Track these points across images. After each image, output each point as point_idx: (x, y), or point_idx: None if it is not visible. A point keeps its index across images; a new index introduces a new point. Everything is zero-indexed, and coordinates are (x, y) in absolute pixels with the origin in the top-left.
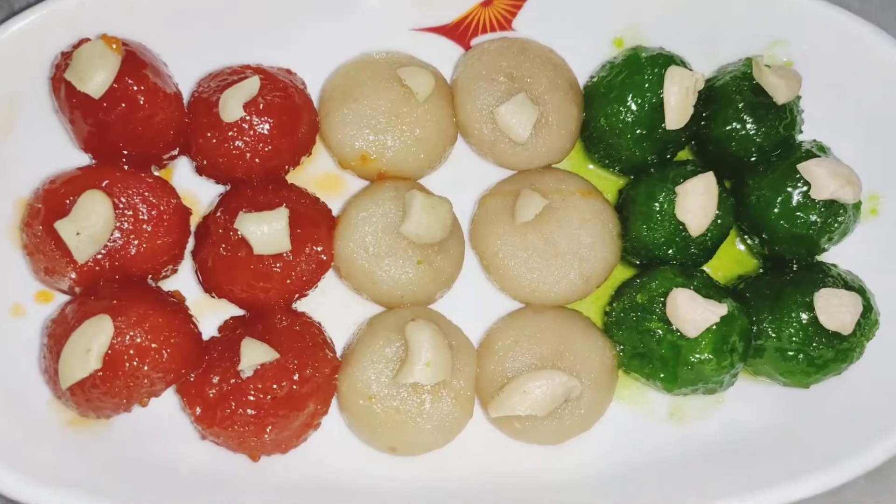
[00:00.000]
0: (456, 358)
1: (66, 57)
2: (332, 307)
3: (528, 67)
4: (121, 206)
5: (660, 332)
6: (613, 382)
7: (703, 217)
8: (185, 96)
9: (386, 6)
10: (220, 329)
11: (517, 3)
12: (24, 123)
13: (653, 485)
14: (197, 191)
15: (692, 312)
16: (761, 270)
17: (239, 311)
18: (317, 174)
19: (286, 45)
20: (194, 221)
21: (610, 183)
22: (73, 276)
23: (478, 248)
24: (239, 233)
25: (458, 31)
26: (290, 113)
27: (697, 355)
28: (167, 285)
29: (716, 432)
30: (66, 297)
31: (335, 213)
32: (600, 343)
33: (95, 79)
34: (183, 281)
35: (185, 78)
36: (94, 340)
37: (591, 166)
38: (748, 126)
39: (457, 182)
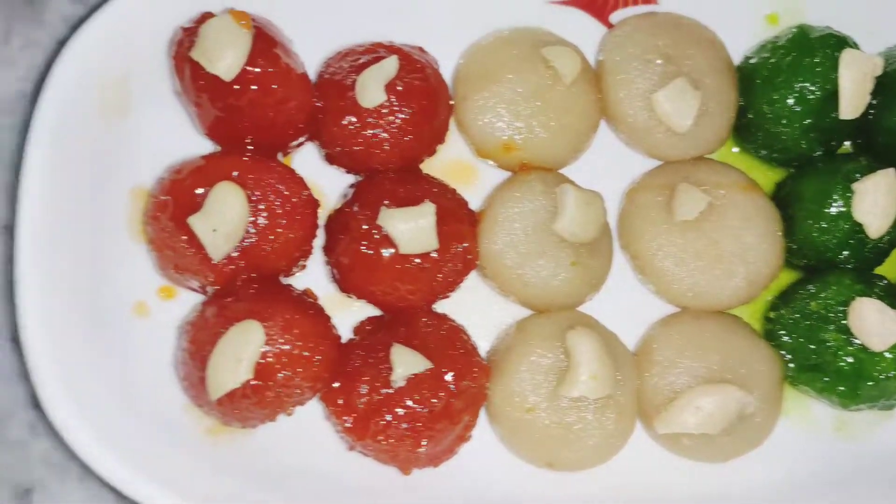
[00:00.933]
0: (617, 368)
1: (190, 34)
2: (471, 307)
3: (685, 47)
4: (254, 199)
5: (838, 343)
6: (782, 395)
7: (884, 218)
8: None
9: None
10: (356, 331)
11: None
12: (138, 104)
13: (819, 502)
14: (319, 179)
15: (880, 325)
16: None
17: (372, 310)
18: (447, 162)
19: (411, 18)
20: (321, 213)
21: (759, 172)
22: (209, 274)
23: (630, 248)
24: (383, 230)
25: (597, 4)
26: (431, 97)
27: (883, 371)
28: (296, 283)
29: (888, 448)
30: (193, 294)
31: (471, 205)
32: (767, 353)
33: (225, 59)
34: (310, 278)
35: (303, 55)
36: (244, 349)
37: (735, 149)
38: None
39: (595, 172)
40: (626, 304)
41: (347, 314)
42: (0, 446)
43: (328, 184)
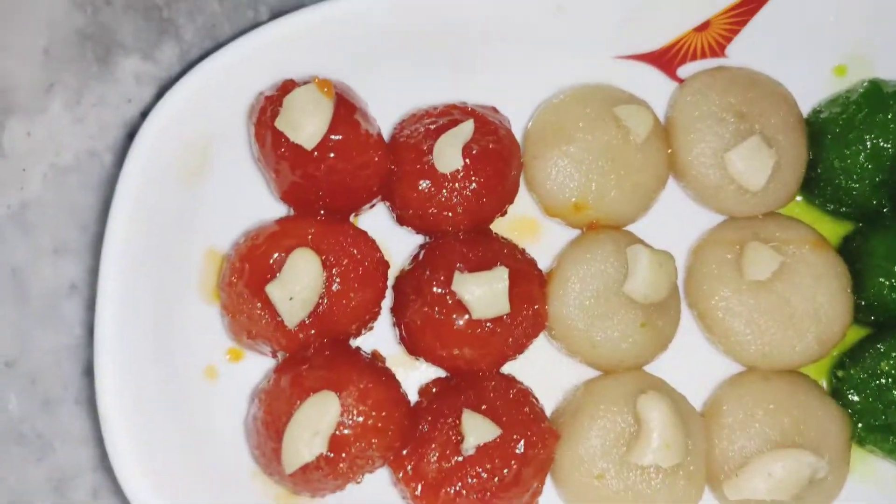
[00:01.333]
0: (687, 434)
1: (273, 102)
2: (537, 368)
3: (759, 103)
4: (328, 263)
5: None
6: (849, 456)
7: None
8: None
9: (584, 31)
10: (422, 393)
11: (734, 27)
12: (216, 168)
13: None
14: (387, 239)
15: None
16: None
17: (437, 370)
18: (512, 219)
19: (482, 78)
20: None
21: (824, 225)
22: (282, 340)
23: (697, 307)
24: (456, 295)
25: (666, 58)
26: (504, 159)
27: None
28: (360, 342)
29: None
30: (260, 357)
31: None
32: (837, 413)
33: (308, 128)
34: (376, 338)
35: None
36: (320, 421)
37: (799, 198)
38: None
39: (662, 228)
40: (693, 363)
41: (413, 373)
42: None
43: (396, 243)
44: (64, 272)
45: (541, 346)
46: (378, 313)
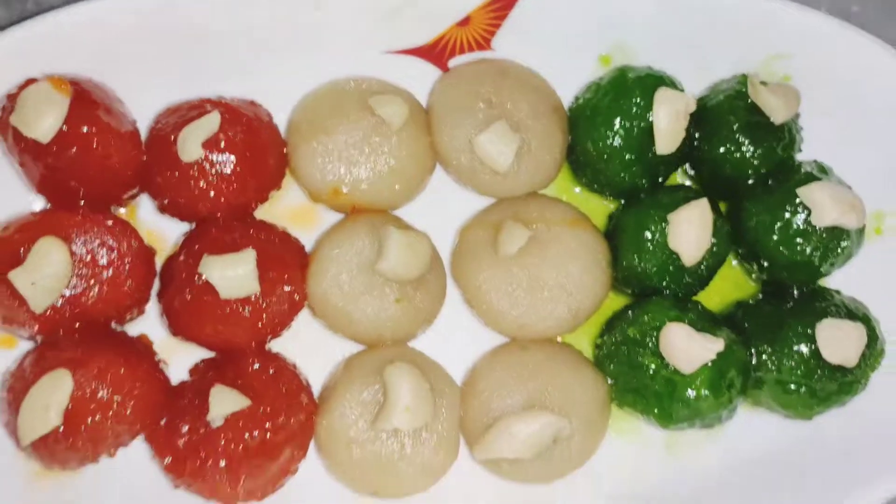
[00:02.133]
0: (438, 399)
1: (12, 100)
2: (308, 345)
3: (509, 92)
4: (78, 252)
5: (653, 367)
6: (606, 418)
7: (696, 247)
8: (144, 130)
9: (356, 28)
10: (191, 372)
11: (496, 21)
12: None
13: None
14: (164, 228)
15: (687, 348)
16: (760, 296)
17: (208, 352)
18: (289, 207)
19: (249, 73)
20: (160, 260)
21: (600, 207)
22: (33, 325)
23: (460, 283)
24: (203, 277)
25: (435, 52)
26: (256, 148)
27: (693, 392)
28: (135, 327)
29: (715, 465)
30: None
31: (309, 247)
32: (591, 378)
33: (42, 124)
34: (151, 322)
35: (144, 110)
36: (52, 397)
37: (577, 189)
38: (744, 148)
39: (436, 211)
40: (461, 337)
41: (187, 357)
42: None
43: (172, 232)
44: None
45: (315, 326)
46: (143, 299)
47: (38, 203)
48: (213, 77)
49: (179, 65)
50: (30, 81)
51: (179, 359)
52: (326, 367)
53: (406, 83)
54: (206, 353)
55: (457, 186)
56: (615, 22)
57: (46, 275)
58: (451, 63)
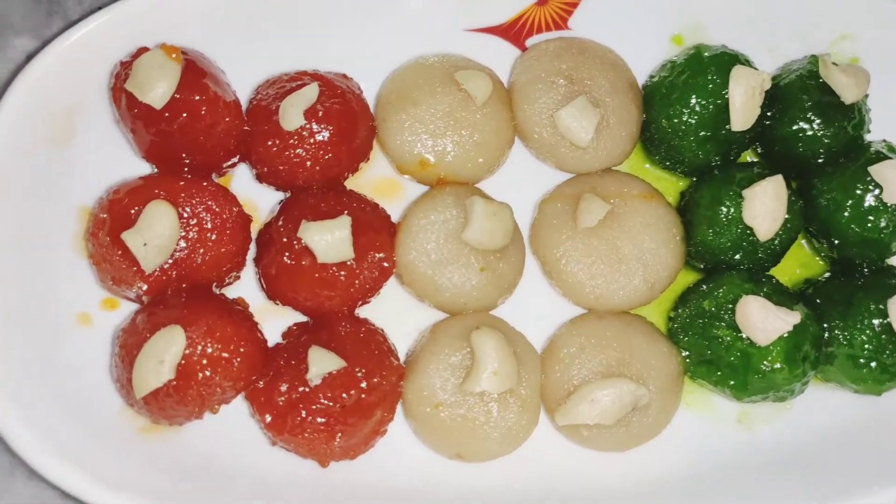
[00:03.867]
0: (521, 365)
1: (126, 67)
2: (394, 313)
3: (588, 69)
4: (185, 215)
5: (728, 339)
6: (680, 389)
7: (771, 222)
8: (243, 102)
9: (438, 7)
10: (284, 335)
11: (573, 1)
12: (84, 133)
13: (720, 491)
14: (256, 197)
15: (763, 320)
16: (829, 274)
17: (301, 317)
18: (374, 179)
19: (341, 49)
20: (254, 228)
21: (670, 184)
22: (141, 285)
23: (539, 254)
24: (302, 241)
25: (513, 32)
26: (349, 119)
27: (768, 364)
28: (230, 292)
29: (785, 439)
30: (133, 304)
31: (394, 218)
32: (666, 349)
33: (156, 89)
34: (246, 287)
35: (241, 84)
36: (166, 351)
37: (648, 166)
38: (815, 126)
39: (515, 185)
40: (539, 307)
41: (280, 321)
42: None
43: (265, 201)
44: None
45: (399, 293)
46: (241, 263)
47: (144, 169)
48: (306, 53)
49: (275, 42)
50: (142, 50)
51: (272, 324)
52: (410, 334)
53: (485, 61)
54: (296, 319)
55: (533, 162)
56: (688, 2)
57: (157, 235)
58: (529, 42)
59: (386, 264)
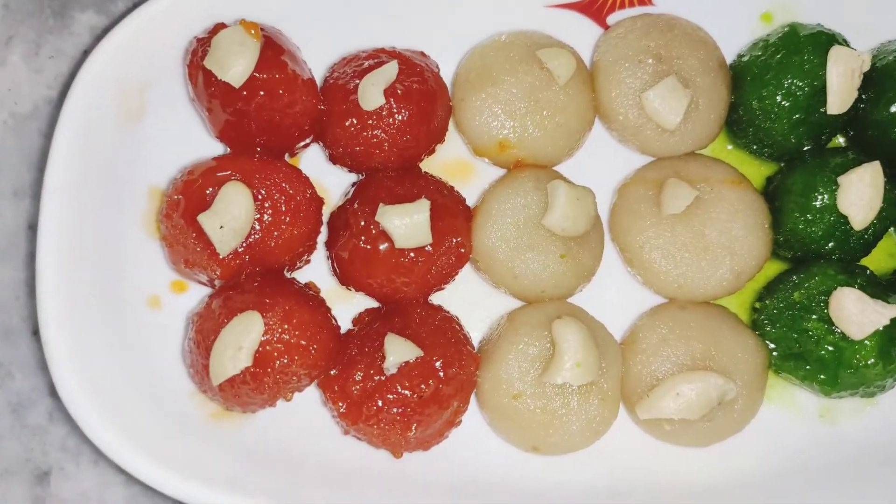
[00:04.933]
0: (602, 356)
1: (203, 43)
2: (467, 299)
3: (677, 47)
4: (260, 197)
5: (820, 332)
6: (765, 383)
7: (868, 210)
8: (317, 80)
9: None
10: (355, 322)
11: None
12: (155, 110)
13: (802, 488)
14: (325, 178)
15: (860, 314)
16: None
17: (371, 302)
18: (446, 160)
19: (415, 24)
20: (325, 210)
21: (753, 167)
22: (215, 268)
23: (619, 241)
24: (380, 226)
25: (595, 7)
26: (429, 99)
27: (862, 359)
28: (300, 276)
29: (870, 434)
30: (203, 287)
31: (468, 201)
32: (752, 342)
33: (236, 67)
34: (315, 271)
35: (313, 60)
36: (244, 338)
37: (730, 147)
38: None
39: (592, 168)
40: (617, 296)
41: (349, 306)
42: (21, 431)
43: (333, 182)
44: (23, 213)
45: (472, 280)
46: (312, 247)
47: (214, 148)
48: (380, 27)
49: (345, 17)
50: (220, 26)
51: (341, 309)
52: (482, 321)
53: (563, 38)
54: (365, 304)
55: (612, 144)
56: None
57: (233, 218)
58: (610, 19)
59: (463, 250)
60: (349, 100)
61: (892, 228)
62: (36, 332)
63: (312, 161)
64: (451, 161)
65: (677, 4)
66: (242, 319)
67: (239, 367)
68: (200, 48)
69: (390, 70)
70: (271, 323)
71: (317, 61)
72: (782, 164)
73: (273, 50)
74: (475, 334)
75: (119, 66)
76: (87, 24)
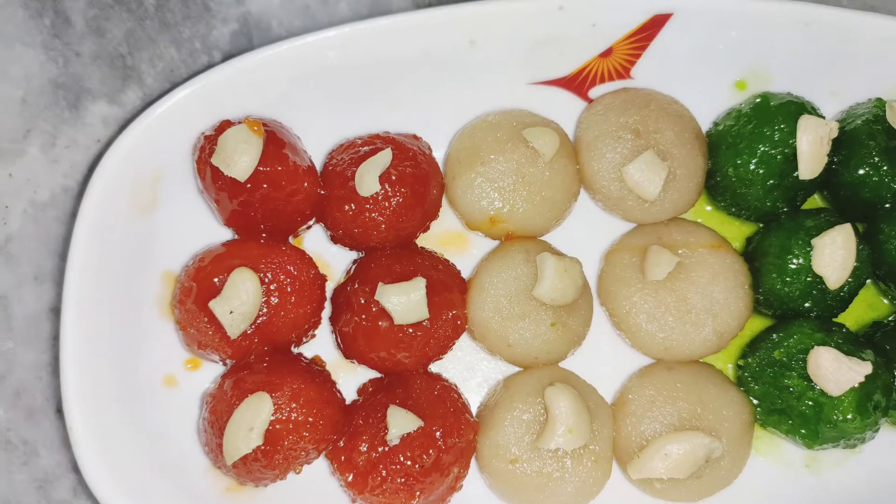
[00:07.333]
0: (594, 420)
1: (210, 141)
2: (463, 365)
3: (654, 121)
4: (266, 281)
5: (800, 389)
6: (751, 437)
7: (841, 271)
8: (316, 163)
9: (502, 63)
10: (360, 391)
11: (636, 52)
12: (167, 200)
13: None
14: (327, 253)
15: (835, 371)
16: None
17: (373, 373)
18: (441, 232)
19: (406, 108)
20: (328, 286)
21: (733, 227)
22: (226, 350)
23: (607, 306)
24: (380, 304)
25: (576, 83)
26: (422, 182)
27: (840, 414)
28: (306, 349)
29: (854, 482)
30: (215, 364)
31: (462, 271)
32: (737, 399)
33: (241, 163)
34: (320, 345)
35: (312, 144)
36: (255, 418)
37: (709, 208)
38: (882, 171)
39: (579, 235)
40: (607, 357)
41: (354, 376)
42: None
43: (336, 256)
44: (44, 297)
45: (469, 347)
46: (317, 323)
47: (223, 232)
48: (372, 114)
49: (342, 103)
50: (225, 123)
51: (345, 379)
52: (480, 385)
53: (547, 112)
54: (368, 374)
55: (598, 211)
56: (750, 48)
57: (242, 303)
58: (592, 92)
59: (459, 322)
60: (347, 186)
61: (869, 280)
62: (59, 410)
63: (315, 238)
64: (446, 232)
65: (654, 76)
66: (253, 400)
67: (251, 446)
68: (208, 146)
69: (384, 157)
70: (280, 402)
71: (316, 141)
72: (761, 225)
73: (275, 144)
74: (474, 398)
75: (133, 162)
76: (99, 114)
